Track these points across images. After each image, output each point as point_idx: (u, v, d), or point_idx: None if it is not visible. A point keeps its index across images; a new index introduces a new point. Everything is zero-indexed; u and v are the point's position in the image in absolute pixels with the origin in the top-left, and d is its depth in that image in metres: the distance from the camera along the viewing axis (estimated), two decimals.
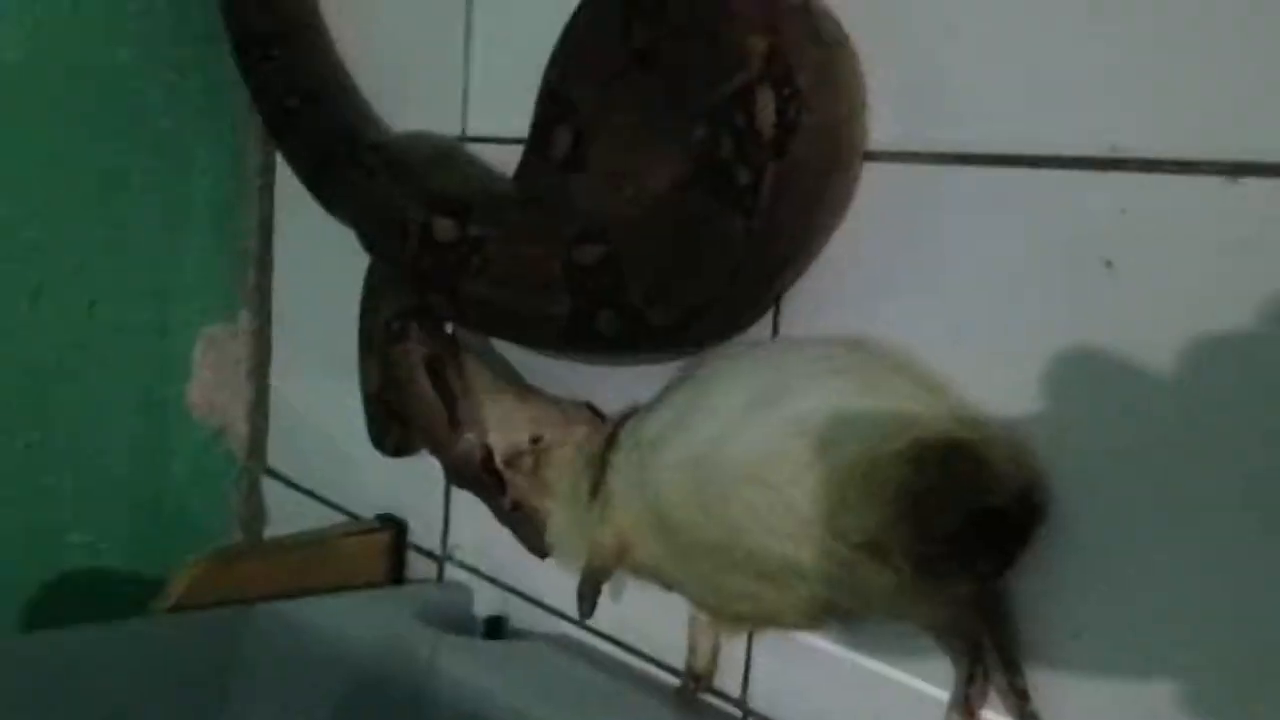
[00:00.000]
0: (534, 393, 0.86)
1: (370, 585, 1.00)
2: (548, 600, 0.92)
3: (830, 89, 0.66)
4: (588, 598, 0.75)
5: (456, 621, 0.94)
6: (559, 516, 0.79)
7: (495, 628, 0.94)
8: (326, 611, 0.90)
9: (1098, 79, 0.59)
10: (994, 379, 0.63)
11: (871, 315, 0.69)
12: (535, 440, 0.81)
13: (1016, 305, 0.63)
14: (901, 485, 0.60)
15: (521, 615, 0.94)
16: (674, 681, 0.82)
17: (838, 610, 0.66)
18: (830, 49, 0.66)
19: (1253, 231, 0.54)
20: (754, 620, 0.73)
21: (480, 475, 0.82)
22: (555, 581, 0.89)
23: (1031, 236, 0.62)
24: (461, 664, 0.85)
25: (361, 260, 0.92)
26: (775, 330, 0.74)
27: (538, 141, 0.79)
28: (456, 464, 0.83)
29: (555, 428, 0.82)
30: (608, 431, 0.77)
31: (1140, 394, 0.58)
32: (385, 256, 0.84)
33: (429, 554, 1.02)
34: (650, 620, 0.84)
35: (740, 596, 0.69)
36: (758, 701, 0.78)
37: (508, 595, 0.94)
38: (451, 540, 1.00)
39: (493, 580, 0.96)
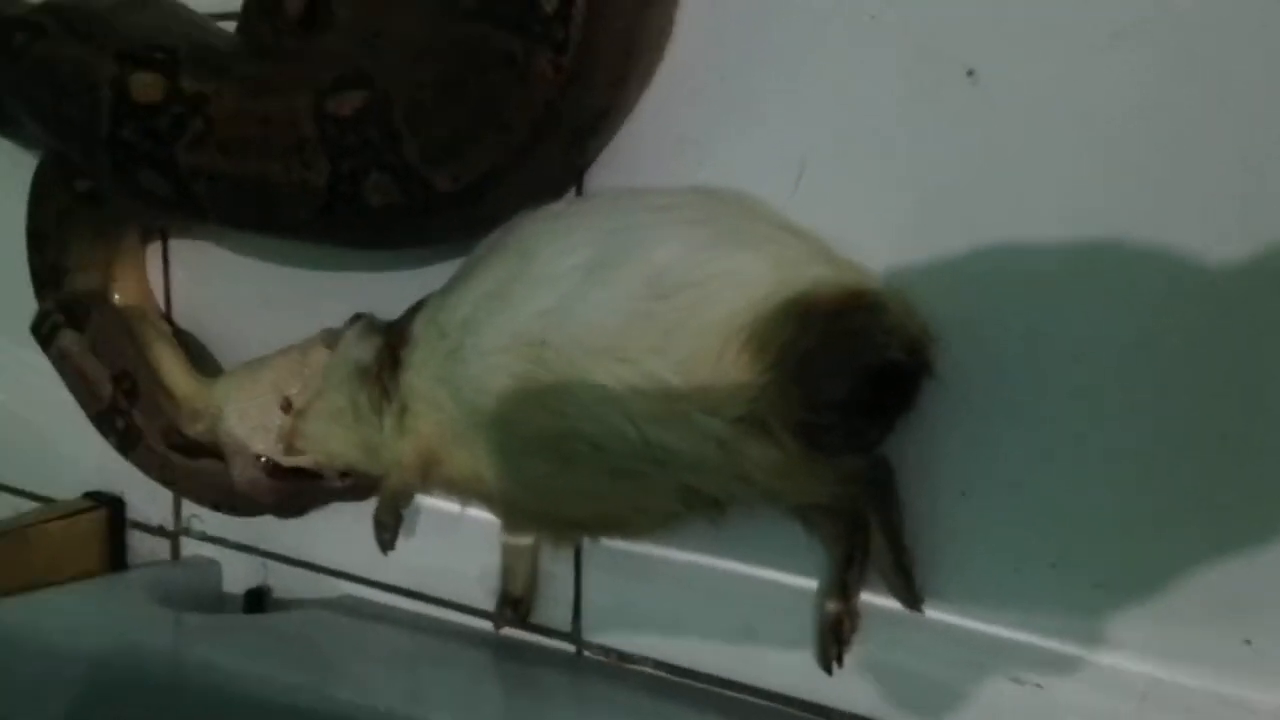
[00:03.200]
0: (254, 363, 0.71)
1: (86, 575, 0.81)
2: (318, 560, 0.77)
3: None
4: (388, 526, 0.61)
5: (207, 602, 0.79)
6: (342, 444, 0.65)
7: (257, 601, 0.78)
8: (40, 609, 0.72)
9: None
10: (850, 220, 0.56)
11: (699, 165, 0.60)
12: (286, 407, 0.67)
13: (868, 131, 0.56)
14: (786, 346, 0.51)
15: (288, 584, 0.78)
16: (482, 626, 0.70)
17: (699, 504, 0.56)
18: None
19: (1138, 19, 0.49)
20: (595, 527, 0.62)
21: (280, 485, 0.67)
22: (325, 537, 0.76)
23: (880, 50, 0.55)
24: (215, 644, 0.69)
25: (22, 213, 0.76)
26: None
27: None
28: (251, 492, 0.68)
29: (296, 377, 0.67)
30: (396, 331, 0.63)
31: (1013, 229, 0.53)
32: (70, 140, 0.65)
33: (158, 530, 0.84)
34: (447, 563, 0.72)
35: (581, 499, 0.58)
36: (592, 632, 0.68)
37: (268, 563, 0.79)
38: (187, 510, 0.83)
39: (248, 549, 0.80)
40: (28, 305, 0.82)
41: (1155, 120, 0.50)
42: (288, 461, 0.66)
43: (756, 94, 0.58)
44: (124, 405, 0.74)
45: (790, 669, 0.61)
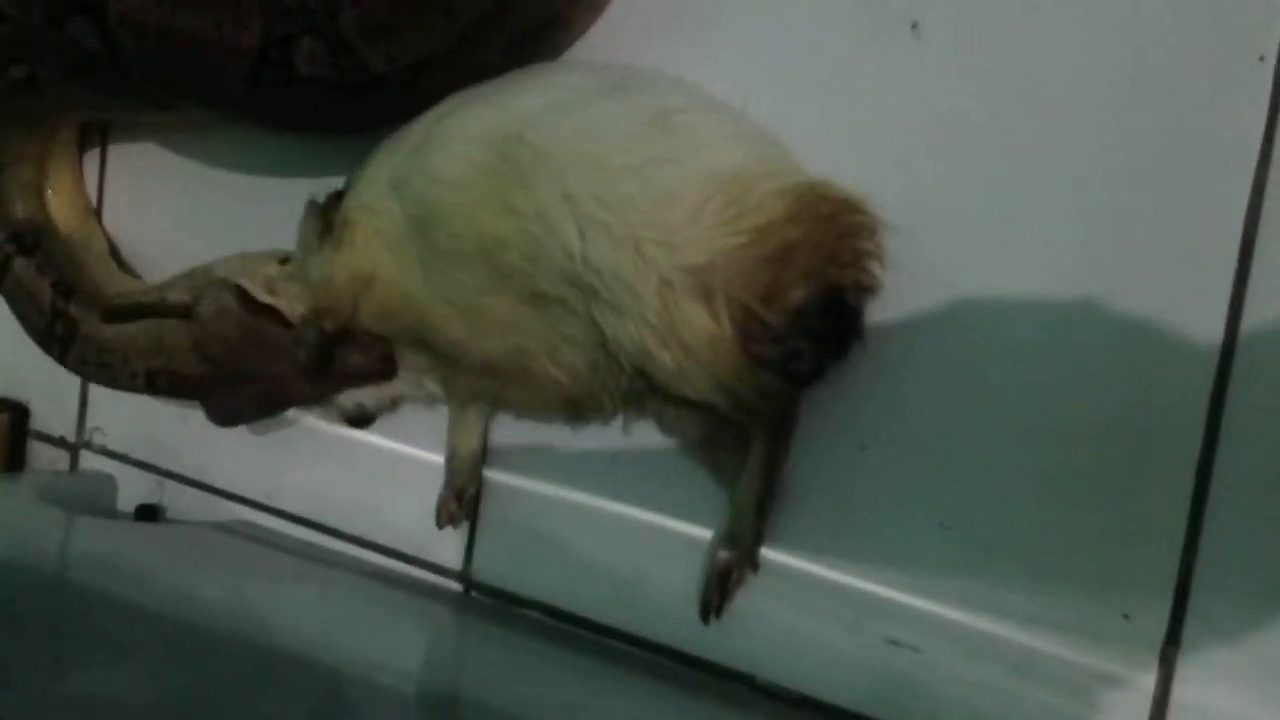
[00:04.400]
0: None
1: None
2: (216, 483, 0.76)
3: None
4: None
5: (99, 514, 0.76)
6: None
7: (148, 517, 0.76)
8: None
9: None
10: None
11: None
12: (284, 260, 0.64)
13: (811, 75, 0.56)
14: (771, 225, 0.49)
15: (183, 503, 0.77)
16: (379, 561, 0.69)
17: (607, 366, 0.53)
18: None
19: None
20: (500, 374, 0.57)
21: (245, 318, 0.62)
22: (226, 460, 0.74)
23: (819, 5, 0.56)
24: (106, 548, 0.67)
25: None
26: None
27: None
28: (212, 327, 0.62)
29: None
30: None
31: (945, 181, 0.53)
32: None
33: (59, 441, 0.82)
34: (345, 494, 0.71)
35: (495, 326, 0.55)
36: (483, 574, 0.66)
37: (165, 482, 0.77)
38: (91, 424, 0.81)
39: (147, 467, 0.78)
40: None
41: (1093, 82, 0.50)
42: (264, 297, 0.62)
43: (705, 28, 0.58)
44: (61, 306, 0.72)
45: (674, 619, 0.60)
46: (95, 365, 0.71)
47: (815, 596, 0.56)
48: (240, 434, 0.73)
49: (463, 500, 0.65)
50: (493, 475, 0.65)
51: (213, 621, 0.60)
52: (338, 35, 0.55)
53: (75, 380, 0.81)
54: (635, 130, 0.51)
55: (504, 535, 0.66)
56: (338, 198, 0.60)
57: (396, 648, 0.63)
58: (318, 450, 0.71)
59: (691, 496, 0.59)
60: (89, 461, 0.81)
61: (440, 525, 0.65)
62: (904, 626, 0.55)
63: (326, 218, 0.59)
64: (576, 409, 0.58)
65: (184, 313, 0.65)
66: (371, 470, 0.69)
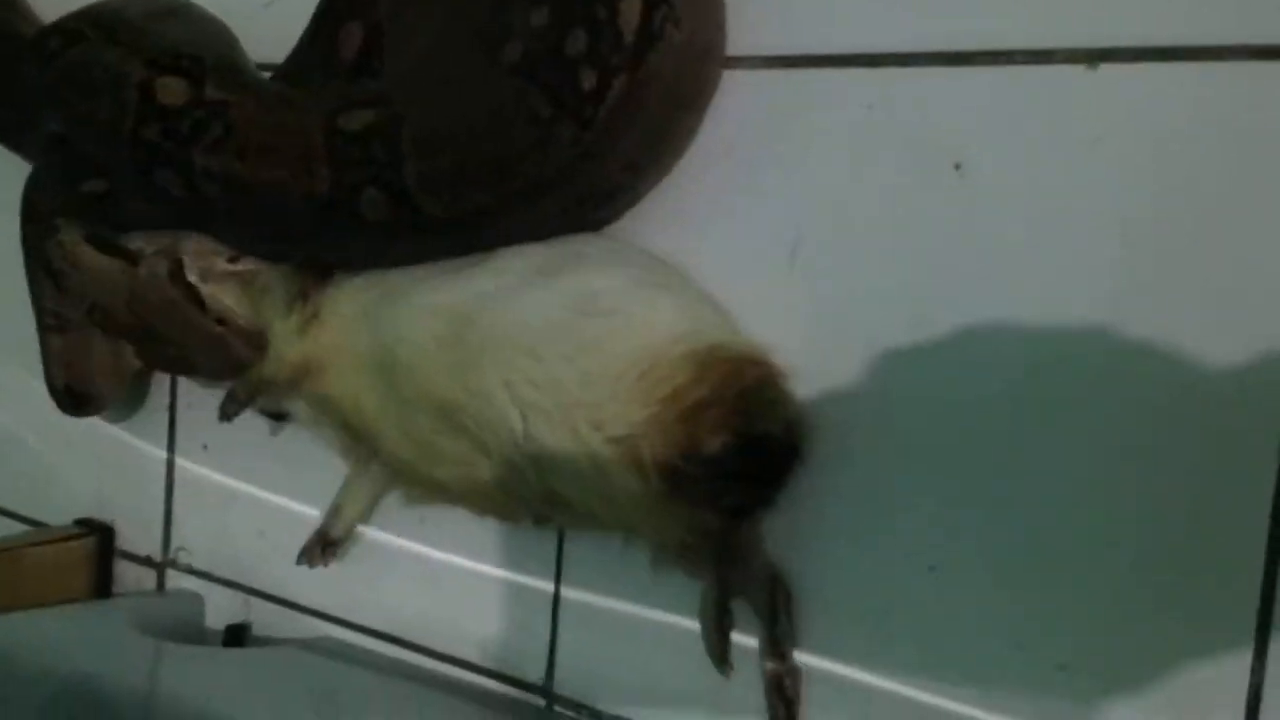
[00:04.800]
0: None
1: (73, 601, 0.82)
2: (300, 599, 0.78)
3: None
4: (237, 401, 0.67)
5: (188, 634, 0.79)
6: (238, 303, 0.69)
7: (237, 636, 0.79)
8: (19, 628, 0.73)
9: None
10: (838, 296, 0.59)
11: (701, 238, 0.62)
12: (234, 259, 0.70)
13: (860, 216, 0.58)
14: (680, 390, 0.55)
15: (269, 620, 0.79)
16: (461, 675, 0.71)
17: (561, 511, 0.61)
18: None
19: (1115, 121, 0.52)
20: (453, 494, 0.65)
21: (168, 292, 0.69)
22: (308, 577, 0.77)
23: (871, 144, 0.58)
24: (198, 675, 0.70)
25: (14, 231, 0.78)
26: None
27: (318, 38, 0.66)
28: (142, 286, 0.70)
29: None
30: None
31: (995, 314, 0.55)
32: (93, 137, 0.68)
33: (145, 560, 0.86)
34: (427, 610, 0.73)
35: (451, 463, 0.62)
36: (565, 687, 0.69)
37: (251, 599, 0.80)
38: (175, 543, 0.84)
39: (232, 584, 0.81)
40: (27, 330, 0.85)
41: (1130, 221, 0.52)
42: (192, 278, 0.69)
43: (758, 174, 0.61)
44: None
45: None
46: (64, 271, 0.75)
47: (895, 712, 0.58)
48: None
49: (326, 550, 0.71)
50: (571, 592, 0.68)
51: None
52: (400, 185, 0.59)
53: (160, 501, 0.85)
54: (562, 318, 0.58)
55: (584, 649, 0.68)
56: (317, 267, 0.66)
57: None
58: (398, 566, 0.74)
59: None
60: (175, 580, 0.84)
61: (300, 563, 0.72)
62: None
63: (303, 284, 0.66)
64: (527, 519, 0.64)
65: (135, 263, 0.71)
66: (451, 586, 0.72)
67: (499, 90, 0.57)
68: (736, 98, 0.61)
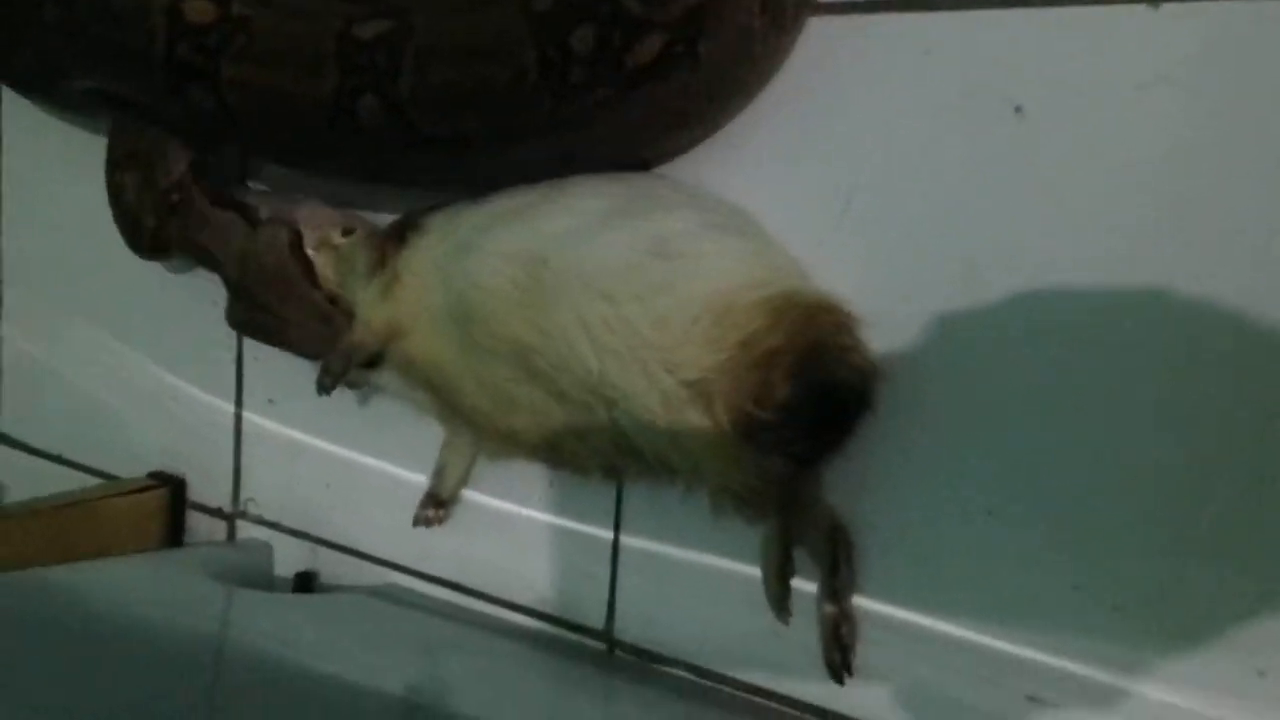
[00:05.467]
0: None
1: (146, 551, 0.85)
2: (366, 549, 0.80)
3: None
4: (332, 373, 0.66)
5: (258, 582, 0.82)
6: (337, 275, 0.70)
7: (306, 584, 0.82)
8: (99, 576, 0.75)
9: None
10: (892, 248, 0.59)
11: (753, 188, 0.63)
12: (348, 232, 0.71)
13: (915, 164, 0.58)
14: (755, 336, 0.55)
15: (336, 569, 0.82)
16: (523, 621, 0.73)
17: (629, 456, 0.61)
18: None
19: (1177, 60, 0.51)
20: (525, 444, 0.65)
21: (287, 262, 0.70)
22: (374, 527, 0.79)
23: (928, 88, 0.58)
24: (268, 620, 0.72)
25: (92, 192, 0.79)
26: None
27: None
28: (258, 249, 0.71)
29: (368, 226, 0.72)
30: (412, 217, 0.68)
31: (1051, 265, 0.55)
32: (124, 67, 0.69)
33: (216, 512, 0.88)
34: (490, 559, 0.75)
35: (525, 410, 0.62)
36: (626, 633, 0.70)
37: (318, 548, 0.82)
38: (244, 494, 0.86)
39: (300, 534, 0.84)
40: (101, 289, 0.87)
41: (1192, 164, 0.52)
42: (310, 249, 0.70)
43: (813, 122, 0.61)
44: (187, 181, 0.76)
45: (814, 675, 0.63)
46: (189, 228, 0.76)
47: (952, 655, 0.59)
48: (388, 501, 0.78)
49: (439, 510, 0.73)
50: (630, 540, 0.69)
51: (373, 692, 0.65)
52: (396, 97, 0.60)
53: (229, 453, 0.87)
54: (635, 260, 0.58)
55: (644, 596, 0.69)
56: (395, 233, 0.67)
57: (545, 708, 0.67)
58: (462, 516, 0.76)
59: None
60: (245, 531, 0.86)
61: (417, 526, 0.74)
62: (1042, 684, 0.57)
63: (382, 251, 0.67)
64: (598, 472, 0.65)
65: (255, 224, 0.73)
66: (514, 535, 0.73)
67: (514, 25, 0.57)
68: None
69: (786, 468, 0.57)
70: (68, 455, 0.97)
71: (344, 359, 0.67)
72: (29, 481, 0.98)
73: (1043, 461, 0.56)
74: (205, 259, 0.76)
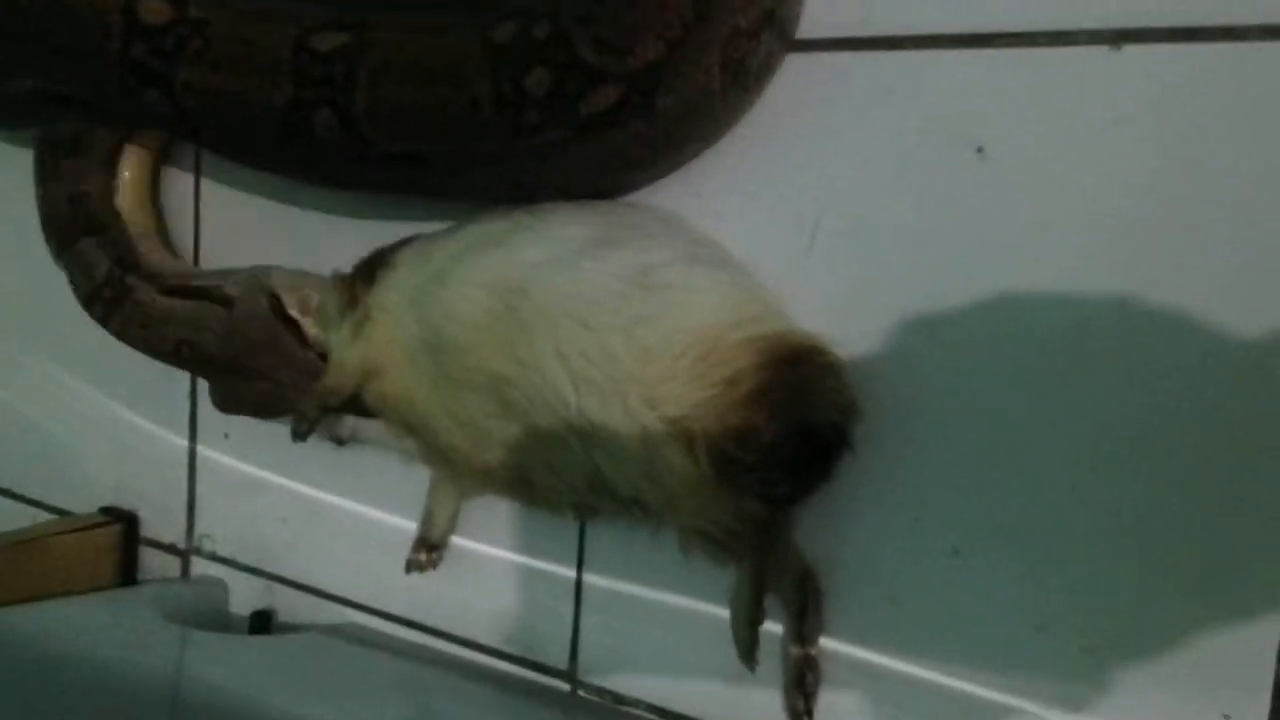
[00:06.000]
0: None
1: (99, 588, 0.83)
2: (324, 586, 0.79)
3: None
4: (307, 419, 0.65)
5: (213, 620, 0.80)
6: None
7: (263, 623, 0.80)
8: (51, 617, 0.74)
9: None
10: (857, 281, 0.59)
11: (718, 220, 0.62)
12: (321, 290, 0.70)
13: (879, 199, 0.58)
14: (740, 375, 0.53)
15: (294, 607, 0.80)
16: (485, 661, 0.72)
17: (604, 494, 0.59)
18: None
19: (1139, 102, 0.52)
20: (500, 480, 0.64)
21: (273, 327, 0.69)
22: (332, 564, 0.78)
23: (892, 127, 0.57)
24: (225, 661, 0.71)
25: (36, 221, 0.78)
26: None
27: None
28: (241, 322, 0.70)
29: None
30: (380, 254, 0.67)
31: (1012, 297, 0.55)
32: (80, 71, 0.68)
33: (170, 548, 0.86)
34: (450, 596, 0.73)
35: (499, 446, 0.61)
36: (589, 673, 0.69)
37: (275, 586, 0.81)
38: (199, 530, 0.85)
39: (256, 571, 0.82)
40: (50, 320, 0.85)
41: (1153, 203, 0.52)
42: (292, 311, 0.69)
43: (778, 157, 0.60)
44: (117, 275, 0.76)
45: (775, 716, 0.62)
46: (138, 326, 0.76)
47: (913, 697, 0.58)
48: (346, 538, 0.76)
49: (432, 554, 0.71)
50: (593, 579, 0.68)
51: None
52: (351, 112, 0.59)
53: (183, 489, 0.85)
54: (618, 289, 0.56)
55: (607, 635, 0.68)
56: (364, 272, 0.66)
57: None
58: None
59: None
60: (200, 567, 0.85)
61: (409, 572, 0.72)
62: None
63: (351, 291, 0.65)
64: (570, 511, 0.63)
65: (226, 303, 0.72)
66: (476, 572, 0.72)
67: (471, 53, 0.57)
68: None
69: (764, 510, 0.56)
70: (18, 490, 0.95)
71: (318, 403, 0.66)
72: None
73: (1007, 500, 0.56)
74: (165, 352, 0.75)
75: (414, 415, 0.64)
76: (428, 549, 0.72)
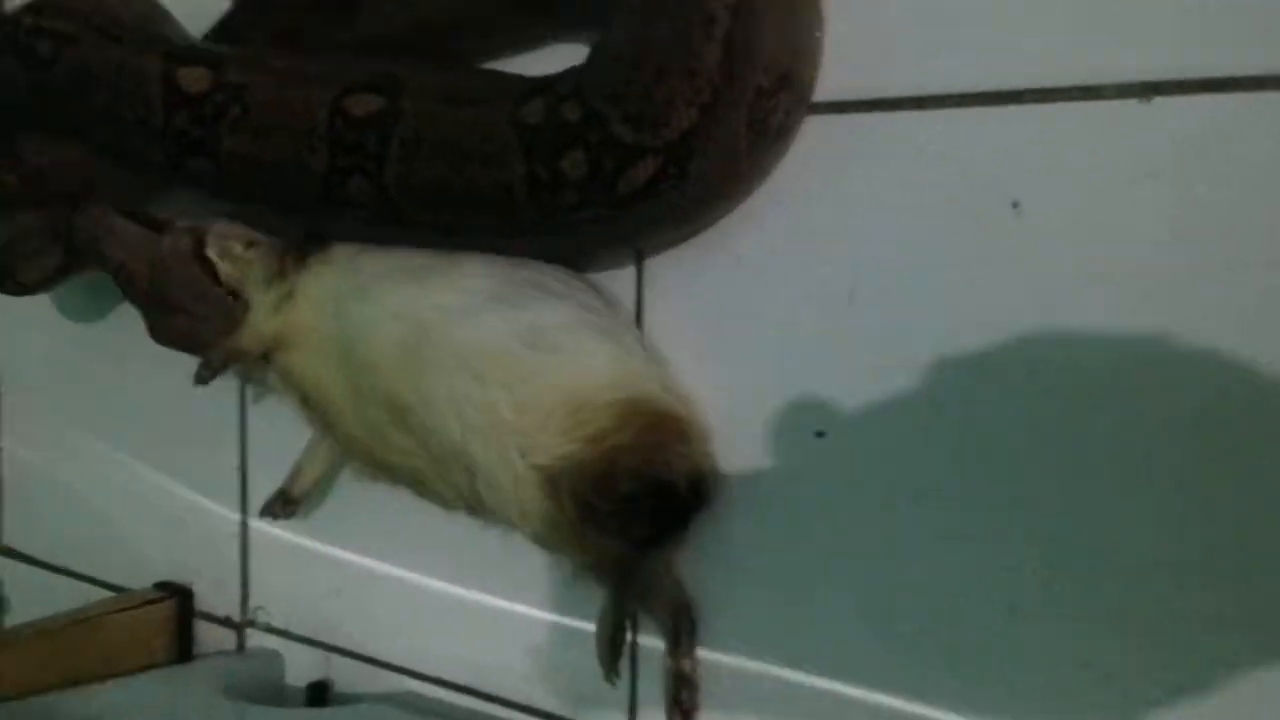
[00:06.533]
0: None
1: (153, 666, 0.84)
2: (381, 655, 0.80)
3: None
4: (212, 365, 0.70)
5: (270, 693, 0.80)
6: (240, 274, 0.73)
7: (319, 694, 0.80)
8: (107, 701, 0.74)
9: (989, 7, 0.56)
10: (895, 340, 0.59)
11: (756, 283, 0.63)
12: (250, 245, 0.74)
13: (916, 258, 0.58)
14: (603, 433, 0.60)
15: (350, 678, 0.81)
16: None
17: (487, 512, 0.66)
18: None
19: (1171, 154, 0.52)
20: (403, 479, 0.69)
21: (190, 263, 0.73)
22: (388, 633, 0.78)
23: (924, 185, 0.58)
24: None
25: (94, 303, 0.81)
26: (639, 288, 0.68)
27: None
28: (164, 259, 0.74)
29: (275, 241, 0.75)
30: (319, 241, 0.70)
31: (1053, 350, 0.55)
32: (119, 137, 0.69)
33: (224, 621, 0.87)
34: (505, 663, 0.74)
35: (400, 453, 0.67)
36: None
37: (331, 656, 0.81)
38: (253, 602, 0.86)
39: (311, 642, 0.82)
40: (102, 396, 0.87)
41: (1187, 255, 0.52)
42: (211, 252, 0.73)
43: (813, 219, 0.61)
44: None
45: None
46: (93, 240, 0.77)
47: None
48: (401, 606, 0.77)
49: (288, 507, 0.76)
50: (649, 641, 0.68)
51: None
52: (382, 181, 0.61)
53: (236, 562, 0.86)
54: (511, 349, 0.62)
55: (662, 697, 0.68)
56: (297, 250, 0.70)
57: None
58: (478, 620, 0.75)
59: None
60: (255, 640, 0.85)
61: (263, 517, 0.77)
62: None
63: (282, 264, 0.70)
64: (464, 512, 0.68)
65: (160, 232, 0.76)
66: (531, 637, 0.72)
67: (502, 132, 0.58)
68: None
69: (625, 549, 0.62)
70: (72, 567, 0.97)
71: (225, 356, 0.70)
72: (34, 594, 0.98)
73: (1057, 554, 0.56)
74: (109, 269, 0.78)
75: (318, 397, 0.69)
76: (285, 501, 0.76)
